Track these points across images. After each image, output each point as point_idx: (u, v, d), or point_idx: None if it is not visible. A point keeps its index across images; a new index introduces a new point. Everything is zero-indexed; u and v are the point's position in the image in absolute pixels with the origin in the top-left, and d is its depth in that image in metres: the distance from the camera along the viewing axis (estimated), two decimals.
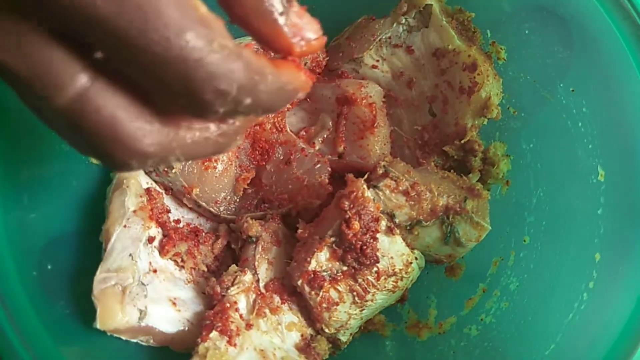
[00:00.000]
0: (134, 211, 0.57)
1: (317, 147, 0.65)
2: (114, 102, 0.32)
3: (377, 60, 0.65)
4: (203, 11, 0.30)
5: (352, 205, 0.56)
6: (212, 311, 0.56)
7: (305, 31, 0.35)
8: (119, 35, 0.29)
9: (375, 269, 0.56)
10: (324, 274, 0.56)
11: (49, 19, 0.30)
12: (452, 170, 0.62)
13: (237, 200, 0.64)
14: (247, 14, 0.34)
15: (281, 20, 0.34)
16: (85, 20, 0.29)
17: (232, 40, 0.31)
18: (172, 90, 0.31)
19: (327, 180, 0.63)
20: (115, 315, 0.52)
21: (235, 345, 0.54)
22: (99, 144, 0.32)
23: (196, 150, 0.35)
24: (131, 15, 0.29)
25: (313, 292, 0.57)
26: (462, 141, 0.62)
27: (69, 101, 0.31)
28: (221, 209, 0.63)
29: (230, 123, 0.36)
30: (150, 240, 0.57)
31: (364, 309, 0.59)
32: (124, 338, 0.55)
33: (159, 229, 0.59)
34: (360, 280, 0.56)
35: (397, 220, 0.58)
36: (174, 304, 0.57)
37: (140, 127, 0.32)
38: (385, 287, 0.58)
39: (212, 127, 0.35)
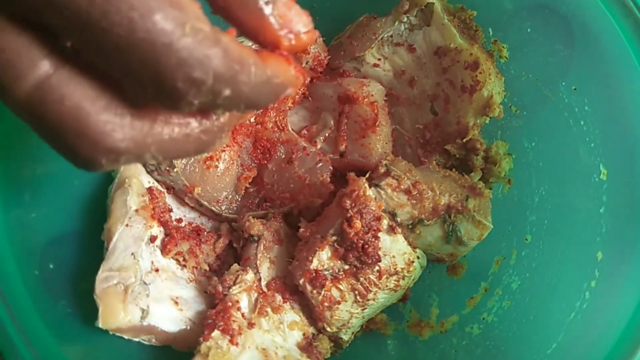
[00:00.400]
0: (136, 210, 0.57)
1: (318, 146, 0.65)
2: (79, 92, 0.29)
3: (379, 59, 0.65)
4: None
5: (353, 204, 0.56)
6: (214, 310, 0.56)
7: (294, 23, 0.32)
8: (80, 16, 0.27)
9: (377, 267, 0.56)
10: (326, 272, 0.56)
11: (8, 3, 0.29)
12: (453, 169, 0.62)
13: (239, 199, 0.64)
14: (230, 4, 0.31)
15: (267, 10, 0.32)
16: (44, 1, 0.27)
17: (209, 24, 0.29)
18: (140, 78, 0.29)
19: (328, 179, 0.63)
20: (118, 314, 0.52)
21: (237, 344, 0.54)
22: (63, 138, 0.30)
23: (175, 148, 0.33)
24: None
25: (315, 291, 0.57)
26: (464, 140, 0.62)
27: (31, 89, 0.29)
28: (223, 208, 0.63)
29: (213, 119, 0.33)
30: (152, 239, 0.57)
31: (365, 308, 0.59)
32: (126, 337, 0.55)
33: (161, 228, 0.59)
34: (362, 279, 0.56)
35: (398, 219, 0.58)
36: (176, 303, 0.57)
37: (109, 121, 0.30)
38: (387, 286, 0.58)
39: (193, 122, 0.33)
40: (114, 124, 0.30)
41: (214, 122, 0.34)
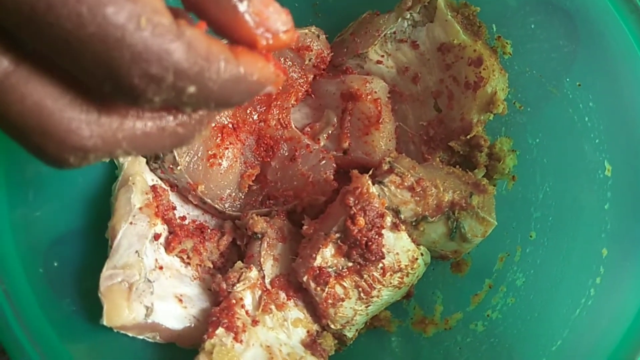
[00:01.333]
0: (140, 208, 0.57)
1: (322, 144, 0.65)
2: (41, 89, 0.28)
3: (382, 56, 0.65)
4: None
5: (357, 201, 0.56)
6: (218, 308, 0.56)
7: (271, 22, 0.30)
8: (25, 11, 0.25)
9: (380, 265, 0.56)
10: (330, 270, 0.56)
11: None
12: (457, 166, 0.62)
13: (242, 196, 0.64)
14: (201, 0, 0.30)
15: (242, 7, 0.29)
16: None
17: (169, 17, 0.27)
18: (95, 74, 0.27)
19: (332, 177, 0.62)
20: (122, 311, 0.52)
21: (241, 341, 0.54)
22: (28, 138, 0.29)
23: (149, 143, 0.31)
24: None
25: (319, 288, 0.57)
26: (468, 136, 0.62)
27: None
28: (226, 205, 0.63)
29: (189, 112, 0.32)
30: (156, 237, 0.57)
31: (369, 305, 0.58)
32: (130, 335, 0.55)
33: (165, 226, 0.59)
34: (365, 276, 0.56)
35: (402, 216, 0.58)
36: (180, 300, 0.58)
37: (74, 118, 0.28)
38: (390, 283, 0.57)
39: (168, 116, 0.31)
40: (79, 121, 0.29)
41: (192, 115, 0.32)
